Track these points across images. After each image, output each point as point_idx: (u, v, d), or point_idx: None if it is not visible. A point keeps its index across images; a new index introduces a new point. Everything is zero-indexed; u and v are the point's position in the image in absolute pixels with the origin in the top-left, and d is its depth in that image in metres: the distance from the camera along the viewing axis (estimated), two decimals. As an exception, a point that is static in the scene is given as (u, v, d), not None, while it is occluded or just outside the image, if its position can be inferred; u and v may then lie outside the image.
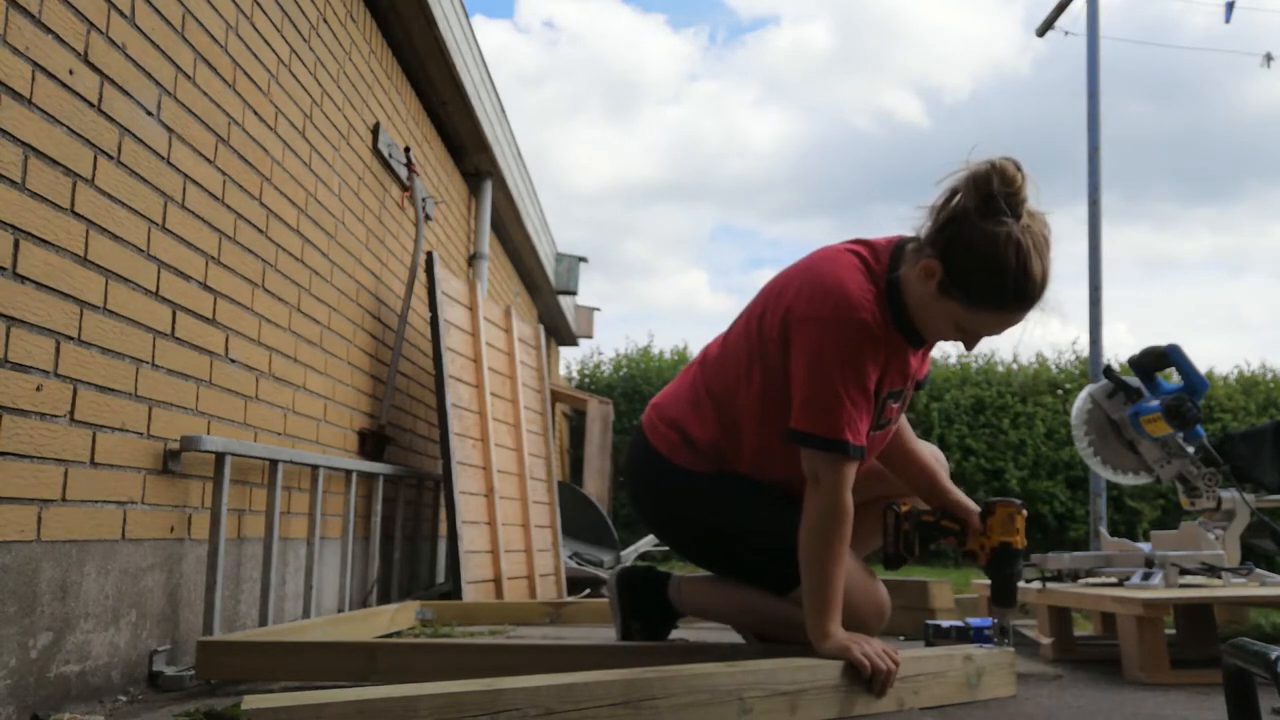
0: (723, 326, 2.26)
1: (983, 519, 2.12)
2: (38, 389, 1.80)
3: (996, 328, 1.90)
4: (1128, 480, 3.07)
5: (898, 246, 1.97)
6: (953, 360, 12.22)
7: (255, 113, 2.74)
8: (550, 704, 1.53)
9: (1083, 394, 3.11)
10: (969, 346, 1.95)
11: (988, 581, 2.16)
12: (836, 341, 1.87)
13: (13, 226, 1.73)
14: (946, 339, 1.96)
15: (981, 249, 1.80)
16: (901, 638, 3.06)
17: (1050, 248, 1.84)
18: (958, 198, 1.85)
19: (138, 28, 2.12)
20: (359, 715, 1.41)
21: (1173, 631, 2.79)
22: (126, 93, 2.08)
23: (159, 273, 2.22)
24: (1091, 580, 2.79)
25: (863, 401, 1.90)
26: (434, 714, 1.45)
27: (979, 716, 1.88)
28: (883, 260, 1.96)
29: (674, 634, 2.43)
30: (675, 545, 2.34)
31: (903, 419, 2.20)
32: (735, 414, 2.11)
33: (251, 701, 1.41)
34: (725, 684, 1.69)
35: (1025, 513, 2.11)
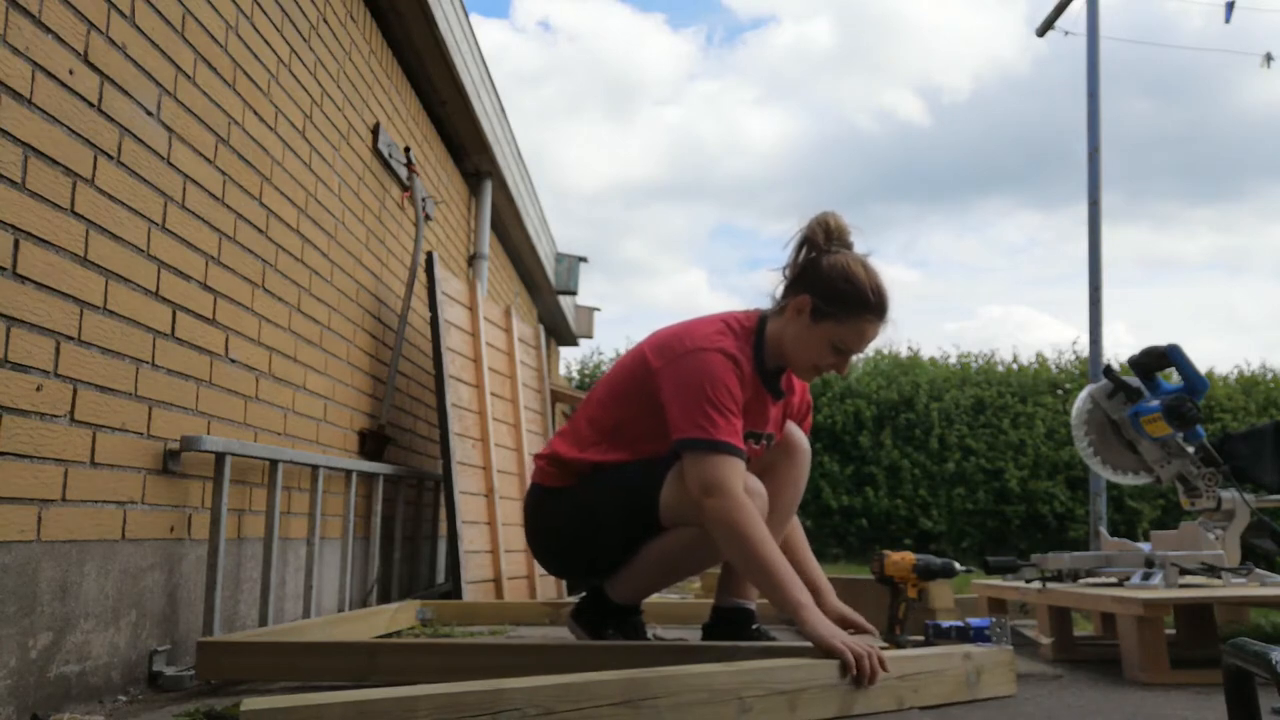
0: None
1: (884, 576, 2.39)
2: (38, 389, 1.80)
3: (866, 339, 2.19)
4: (1128, 480, 3.06)
5: (762, 314, 2.29)
6: (953, 360, 12.22)
7: (255, 113, 2.74)
8: (550, 704, 1.53)
9: (1083, 394, 3.11)
10: (842, 370, 2.23)
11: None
12: (704, 365, 2.11)
13: (13, 226, 1.73)
14: (824, 365, 2.22)
15: (839, 270, 2.16)
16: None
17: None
18: (805, 247, 2.23)
19: (138, 28, 2.12)
20: (359, 716, 1.41)
21: (1173, 631, 2.79)
22: (126, 93, 2.08)
23: (159, 273, 2.22)
24: (1091, 580, 2.79)
25: (734, 413, 2.09)
26: (434, 714, 1.45)
27: (979, 716, 1.88)
28: (748, 321, 2.26)
29: (674, 634, 2.42)
30: (577, 562, 2.41)
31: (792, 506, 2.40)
32: (617, 418, 2.28)
33: (251, 703, 1.40)
34: (724, 683, 1.69)
35: (885, 552, 2.43)
